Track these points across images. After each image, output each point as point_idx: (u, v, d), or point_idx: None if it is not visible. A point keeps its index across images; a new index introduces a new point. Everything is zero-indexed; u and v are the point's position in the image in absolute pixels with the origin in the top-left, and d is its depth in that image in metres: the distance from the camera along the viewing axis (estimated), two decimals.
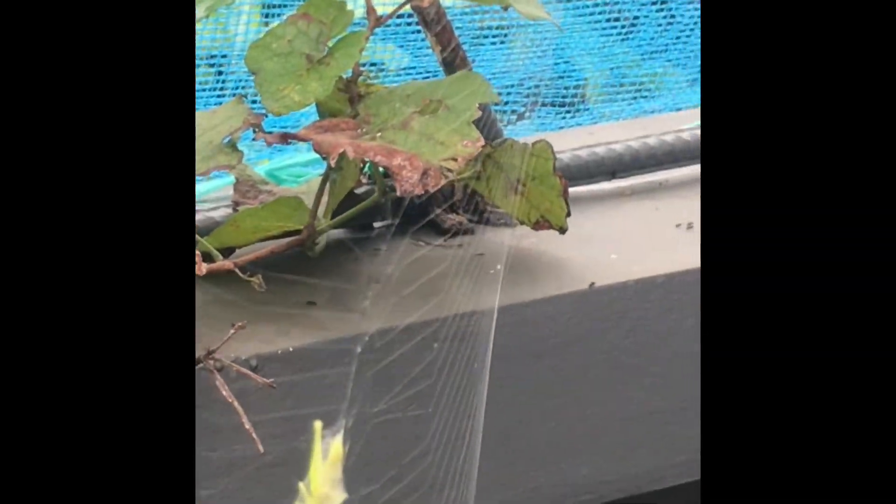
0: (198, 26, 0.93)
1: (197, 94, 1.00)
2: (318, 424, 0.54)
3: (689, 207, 0.96)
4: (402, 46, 1.02)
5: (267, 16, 1.01)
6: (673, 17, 1.10)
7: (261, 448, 0.75)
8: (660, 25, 1.10)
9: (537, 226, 0.84)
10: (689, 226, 0.94)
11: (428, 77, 0.97)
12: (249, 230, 0.82)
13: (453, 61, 0.87)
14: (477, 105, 0.78)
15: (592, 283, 0.87)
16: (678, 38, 1.11)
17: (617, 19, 1.09)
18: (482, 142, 0.77)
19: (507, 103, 1.03)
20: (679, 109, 1.07)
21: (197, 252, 0.78)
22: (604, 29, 1.08)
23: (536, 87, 1.03)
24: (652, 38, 1.09)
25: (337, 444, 0.54)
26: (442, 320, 0.80)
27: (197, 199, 0.88)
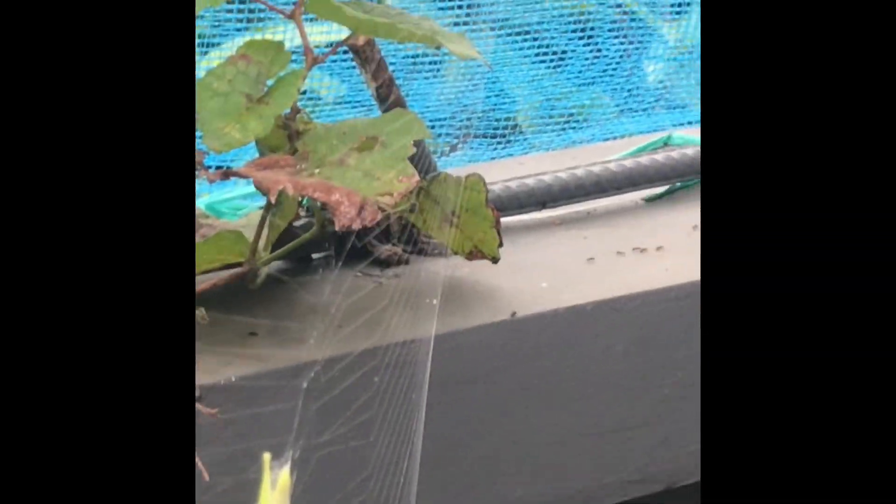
0: None
1: None
2: (267, 456, 0.56)
3: (617, 236, 0.98)
4: (339, 75, 1.02)
5: (206, 53, 1.02)
6: (599, 50, 1.10)
7: (206, 477, 0.74)
8: (587, 59, 1.10)
9: (471, 256, 0.85)
10: (619, 253, 0.95)
11: (364, 108, 0.97)
12: (203, 262, 0.83)
13: (387, 96, 0.87)
14: (411, 142, 0.78)
15: (514, 313, 0.86)
16: (605, 70, 1.11)
17: (546, 53, 1.09)
18: (416, 177, 0.77)
19: (440, 135, 1.03)
20: (607, 139, 1.08)
21: None
22: (533, 62, 1.08)
23: (469, 119, 1.03)
24: (580, 71, 1.10)
25: (285, 475, 0.55)
26: (382, 349, 0.79)
27: None
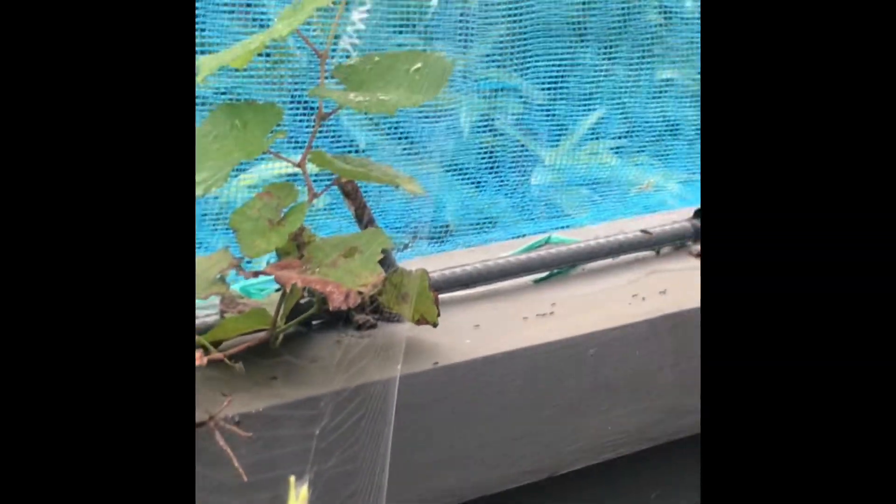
0: None
1: None
2: (292, 479, 0.58)
3: (519, 305, 0.96)
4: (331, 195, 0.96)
5: (236, 176, 0.98)
6: (503, 179, 1.08)
7: (245, 477, 0.72)
8: (495, 183, 1.08)
9: (418, 322, 0.85)
10: (525, 318, 0.93)
11: (348, 218, 0.93)
12: (232, 330, 0.82)
13: (362, 217, 0.87)
14: (379, 250, 0.78)
15: (436, 363, 0.84)
16: (507, 191, 1.09)
17: (468, 180, 1.07)
18: (383, 274, 0.77)
19: (398, 236, 1.00)
20: (509, 239, 1.06)
21: (197, 346, 0.76)
22: (461, 187, 1.06)
23: (417, 226, 1.01)
24: (491, 193, 1.08)
25: (304, 491, 0.58)
26: (363, 386, 0.79)
27: (198, 310, 0.85)
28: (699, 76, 1.24)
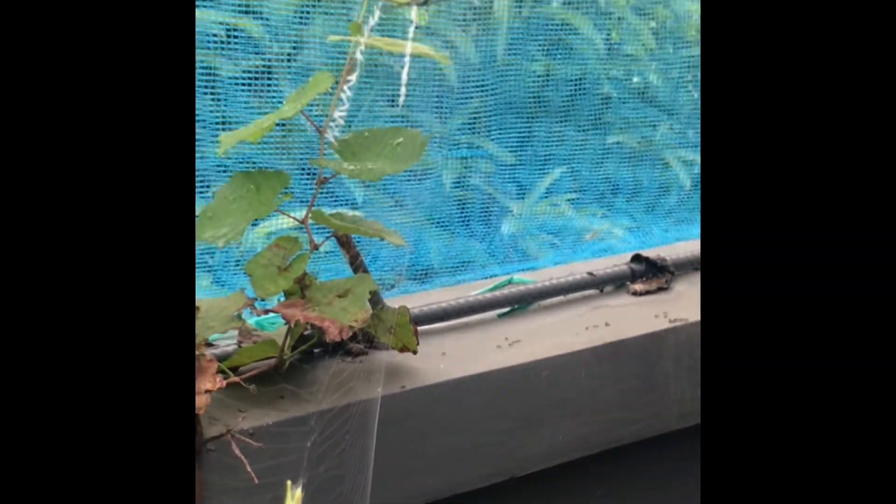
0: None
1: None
2: (289, 482, 0.59)
3: (489, 335, 0.95)
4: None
5: (255, 226, 0.95)
6: (472, 231, 1.08)
7: (256, 480, 0.73)
8: (468, 234, 1.09)
9: (402, 350, 0.85)
10: (498, 346, 0.93)
11: (344, 262, 0.91)
12: (247, 357, 0.83)
13: (355, 263, 0.86)
14: (367, 292, 0.80)
15: (403, 386, 0.83)
16: (478, 238, 1.10)
17: (444, 231, 1.06)
18: (371, 311, 0.79)
19: (386, 277, 1.01)
20: (478, 279, 1.06)
21: (218, 372, 0.75)
22: (438, 236, 1.06)
23: (401, 269, 1.01)
24: (464, 240, 1.08)
25: (298, 493, 0.59)
26: (353, 404, 0.79)
27: (218, 341, 0.85)
28: (642, 139, 1.25)
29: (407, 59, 0.77)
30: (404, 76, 0.76)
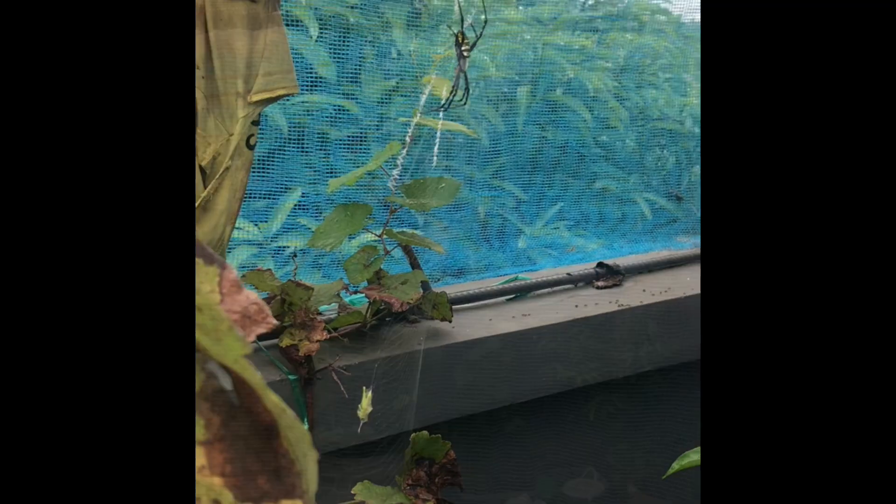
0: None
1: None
2: (364, 388, 0.66)
3: (505, 312, 0.96)
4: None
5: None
6: (491, 245, 1.10)
7: (346, 395, 0.77)
8: (491, 247, 1.10)
9: (441, 320, 0.87)
10: (513, 317, 0.94)
11: (404, 262, 0.92)
12: (343, 322, 0.86)
13: (413, 263, 0.89)
14: (419, 281, 0.83)
15: (443, 343, 0.84)
16: (497, 251, 1.10)
17: (472, 245, 1.10)
18: (421, 293, 0.82)
19: (432, 274, 1.03)
20: (495, 276, 1.06)
21: (325, 329, 0.77)
22: (469, 251, 1.06)
23: (443, 270, 1.04)
24: (490, 253, 1.08)
25: (369, 395, 0.65)
26: (408, 353, 0.83)
27: (325, 311, 0.86)
28: (616, 186, 1.29)
29: (438, 133, 0.83)
30: (436, 147, 0.82)
